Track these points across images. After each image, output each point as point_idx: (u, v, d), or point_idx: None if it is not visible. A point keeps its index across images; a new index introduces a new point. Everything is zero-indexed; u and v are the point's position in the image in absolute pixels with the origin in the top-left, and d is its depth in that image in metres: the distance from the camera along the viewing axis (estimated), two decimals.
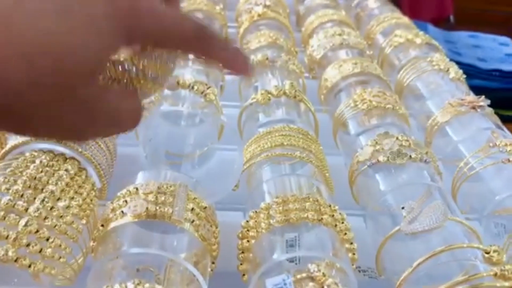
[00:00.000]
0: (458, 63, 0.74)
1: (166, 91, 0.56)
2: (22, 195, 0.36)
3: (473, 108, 0.58)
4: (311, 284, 0.33)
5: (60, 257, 0.36)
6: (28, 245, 0.34)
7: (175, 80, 0.54)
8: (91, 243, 0.40)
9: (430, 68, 0.68)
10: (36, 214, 0.35)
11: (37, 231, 0.35)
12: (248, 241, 0.40)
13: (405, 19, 0.86)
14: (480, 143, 0.55)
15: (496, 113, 0.60)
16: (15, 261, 0.33)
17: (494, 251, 0.36)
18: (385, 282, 0.44)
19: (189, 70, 0.64)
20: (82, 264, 0.40)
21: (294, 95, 0.56)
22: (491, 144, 0.52)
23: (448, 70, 0.67)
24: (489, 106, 0.60)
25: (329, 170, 0.51)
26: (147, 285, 0.32)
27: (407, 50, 0.75)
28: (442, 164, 0.56)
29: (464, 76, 0.68)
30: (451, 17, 1.96)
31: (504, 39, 1.14)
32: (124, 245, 0.38)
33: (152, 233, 0.40)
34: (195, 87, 0.55)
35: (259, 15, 0.80)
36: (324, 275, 0.33)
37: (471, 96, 0.60)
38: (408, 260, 0.41)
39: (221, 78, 0.67)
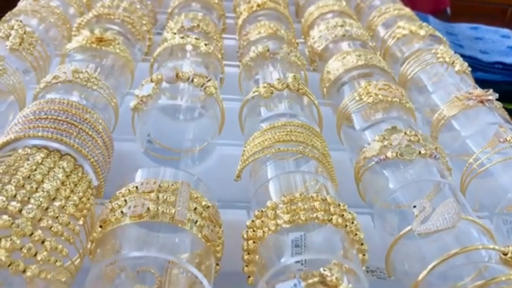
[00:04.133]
0: (461, 56, 0.72)
1: (165, 84, 0.54)
2: (15, 195, 0.34)
3: (481, 102, 0.56)
4: None
5: (56, 260, 0.34)
6: (22, 248, 0.32)
7: (174, 72, 0.52)
8: (89, 244, 0.38)
9: (434, 60, 0.66)
10: (31, 215, 0.33)
11: (32, 233, 0.33)
12: (254, 242, 0.38)
13: (407, 10, 0.84)
14: (488, 138, 0.53)
15: None
16: (9, 266, 0.31)
17: None
18: (394, 283, 0.43)
19: (187, 62, 0.62)
20: (79, 266, 0.38)
21: (297, 88, 0.54)
22: (501, 140, 0.51)
23: (453, 62, 0.65)
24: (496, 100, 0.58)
25: (333, 166, 0.49)
26: None
27: (410, 42, 0.73)
28: (448, 159, 0.55)
29: (469, 68, 0.66)
30: (448, 9, 1.95)
31: (505, 31, 1.12)
32: (124, 248, 0.36)
33: (152, 233, 0.38)
34: (195, 80, 0.53)
35: (258, 5, 0.78)
36: (337, 279, 0.31)
37: (479, 90, 0.59)
38: (420, 261, 0.40)
39: (221, 70, 0.65)
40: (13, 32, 0.59)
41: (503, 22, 2.01)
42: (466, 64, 0.66)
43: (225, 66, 0.69)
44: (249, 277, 0.38)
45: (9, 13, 0.69)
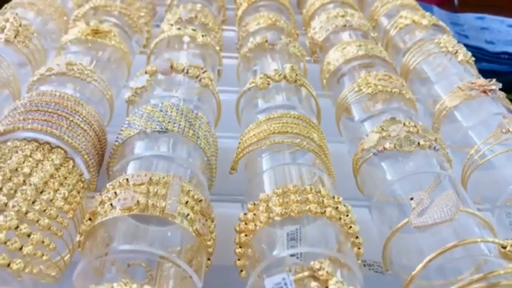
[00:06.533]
0: (465, 46, 0.71)
1: (160, 76, 0.53)
2: (1, 188, 0.34)
3: (484, 92, 0.55)
4: (314, 283, 0.30)
5: (43, 255, 0.33)
6: (6, 242, 0.31)
7: (168, 64, 0.51)
8: (78, 237, 0.37)
9: (437, 50, 0.65)
10: (16, 208, 0.33)
11: (17, 227, 0.32)
12: (246, 235, 0.37)
13: (410, 0, 0.82)
14: (491, 129, 0.52)
15: None
16: None
17: None
18: (391, 277, 0.42)
19: (184, 53, 0.61)
20: (69, 261, 0.37)
21: (295, 79, 0.53)
22: (503, 130, 0.49)
23: (456, 52, 0.63)
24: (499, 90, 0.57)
25: (330, 158, 0.48)
26: (134, 285, 0.30)
27: (413, 32, 0.72)
28: (450, 151, 0.54)
29: (473, 58, 0.65)
30: (455, 0, 1.92)
31: None
32: (113, 241, 0.35)
33: (143, 227, 0.37)
34: (190, 71, 0.52)
35: None
36: (328, 273, 0.30)
37: (482, 80, 0.57)
38: (417, 254, 0.39)
39: (219, 62, 0.64)
40: (8, 24, 0.58)
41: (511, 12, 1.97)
42: (469, 53, 0.64)
43: (225, 58, 0.68)
44: (241, 270, 0.38)
45: (6, 5, 0.68)
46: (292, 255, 0.38)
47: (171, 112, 0.45)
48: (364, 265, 0.43)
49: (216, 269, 0.41)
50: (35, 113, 0.42)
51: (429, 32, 0.71)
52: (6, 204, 0.33)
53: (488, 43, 0.99)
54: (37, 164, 0.38)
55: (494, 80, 0.56)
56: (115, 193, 0.37)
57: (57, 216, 0.35)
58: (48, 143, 0.41)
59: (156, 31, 0.74)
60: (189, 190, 0.38)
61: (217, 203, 0.44)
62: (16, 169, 0.36)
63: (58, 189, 0.37)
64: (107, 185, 0.38)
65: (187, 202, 0.37)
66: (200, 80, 0.51)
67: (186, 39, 0.62)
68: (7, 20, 0.59)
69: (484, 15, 1.13)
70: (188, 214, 0.36)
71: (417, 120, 0.51)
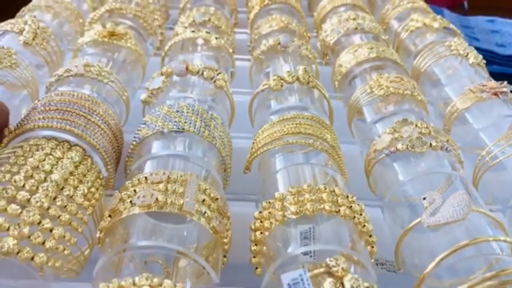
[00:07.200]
0: (476, 49, 0.71)
1: (175, 77, 0.54)
2: (24, 185, 0.35)
3: (495, 94, 0.55)
4: (329, 279, 0.31)
5: (64, 249, 0.34)
6: (30, 236, 0.32)
7: (184, 65, 0.52)
8: (98, 234, 0.38)
9: (448, 53, 0.65)
10: (39, 204, 0.34)
11: (40, 222, 0.33)
12: (261, 233, 0.38)
13: (421, 3, 0.83)
14: (502, 131, 0.52)
15: None
16: (17, 253, 0.31)
17: None
18: (403, 276, 0.42)
19: (198, 55, 0.62)
20: (89, 256, 0.38)
21: (307, 81, 0.54)
22: None
23: (467, 55, 0.64)
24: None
25: (343, 159, 0.49)
26: (155, 279, 0.30)
27: (424, 35, 0.72)
28: (461, 153, 0.54)
29: (484, 61, 0.65)
30: (465, 3, 1.91)
31: None
32: (132, 237, 0.36)
33: (161, 224, 0.38)
34: (205, 73, 0.53)
35: None
36: (343, 270, 0.31)
37: (493, 82, 0.58)
38: (429, 253, 0.39)
39: (232, 64, 0.65)
40: (26, 27, 0.59)
41: None
42: (480, 56, 0.65)
43: (236, 60, 0.69)
44: (256, 268, 0.38)
45: (23, 8, 0.70)
46: (305, 254, 0.39)
47: (187, 112, 0.46)
48: (377, 264, 0.44)
49: (228, 267, 0.41)
50: (54, 112, 0.43)
51: (440, 35, 0.72)
52: (28, 200, 0.34)
53: (499, 46, 0.99)
54: (57, 162, 0.39)
55: (505, 82, 0.57)
56: (135, 191, 0.37)
57: (77, 212, 0.36)
58: (67, 141, 0.42)
59: (169, 33, 0.75)
60: (205, 189, 0.39)
61: (230, 202, 0.45)
62: (37, 167, 0.37)
63: (77, 186, 0.38)
64: (126, 183, 0.39)
65: (204, 200, 0.38)
66: (214, 82, 0.52)
67: (200, 41, 0.63)
68: (25, 23, 0.60)
69: (495, 18, 1.13)
70: (205, 212, 0.37)
71: (429, 121, 0.52)
